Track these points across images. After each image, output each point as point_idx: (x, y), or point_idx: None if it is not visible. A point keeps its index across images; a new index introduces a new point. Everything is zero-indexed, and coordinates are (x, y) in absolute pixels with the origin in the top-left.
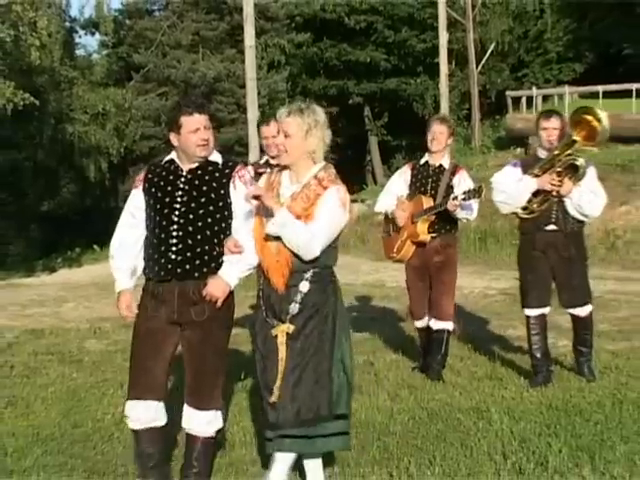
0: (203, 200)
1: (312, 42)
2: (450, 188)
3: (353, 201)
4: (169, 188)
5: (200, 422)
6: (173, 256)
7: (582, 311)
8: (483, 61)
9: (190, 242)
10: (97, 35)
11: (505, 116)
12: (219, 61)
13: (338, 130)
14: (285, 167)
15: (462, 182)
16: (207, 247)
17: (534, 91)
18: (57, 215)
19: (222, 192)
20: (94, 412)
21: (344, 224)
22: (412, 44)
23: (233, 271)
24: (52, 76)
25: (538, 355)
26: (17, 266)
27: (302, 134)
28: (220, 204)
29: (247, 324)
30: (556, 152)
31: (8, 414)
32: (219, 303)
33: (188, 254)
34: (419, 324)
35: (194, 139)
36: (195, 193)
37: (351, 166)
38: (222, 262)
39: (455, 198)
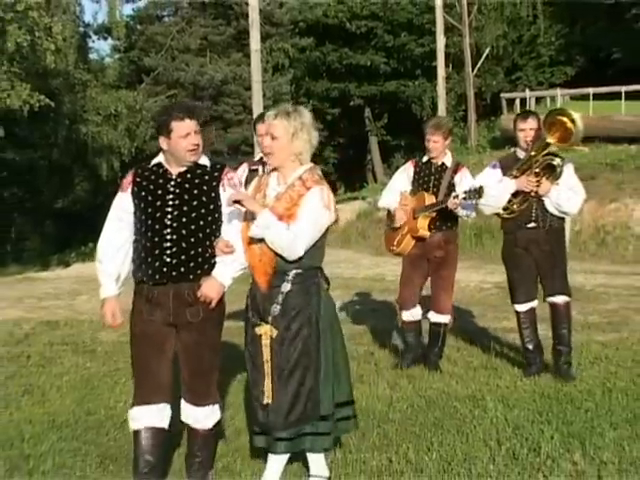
0: (195, 203)
1: (315, 46)
2: (452, 186)
3: (354, 198)
4: (159, 192)
5: (198, 417)
6: (168, 259)
7: (561, 299)
8: (479, 64)
9: (184, 245)
10: (109, 40)
11: (500, 117)
12: (226, 64)
13: (340, 130)
14: (275, 169)
15: (464, 180)
16: (200, 249)
17: (527, 93)
18: (71, 212)
19: (212, 195)
20: (107, 400)
21: (328, 224)
22: (411, 48)
23: (227, 271)
24: (67, 79)
25: (530, 347)
26: (33, 261)
27: (288, 137)
28: (211, 207)
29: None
30: (532, 153)
31: (25, 402)
32: (214, 304)
33: (182, 257)
34: (407, 316)
35: (184, 144)
36: (186, 196)
37: (352, 165)
38: (215, 263)
39: (456, 197)
